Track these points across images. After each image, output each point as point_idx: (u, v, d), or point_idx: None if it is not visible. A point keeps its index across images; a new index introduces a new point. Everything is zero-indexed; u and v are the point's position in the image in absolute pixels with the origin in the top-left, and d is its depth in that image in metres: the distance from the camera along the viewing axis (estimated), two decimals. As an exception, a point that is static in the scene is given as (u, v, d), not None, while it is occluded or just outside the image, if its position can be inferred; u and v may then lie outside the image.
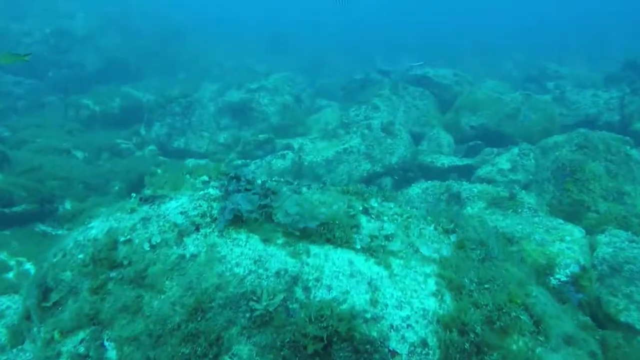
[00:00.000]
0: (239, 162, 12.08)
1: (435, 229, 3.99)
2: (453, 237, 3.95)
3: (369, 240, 3.73)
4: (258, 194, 3.84)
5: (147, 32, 25.95)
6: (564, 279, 5.08)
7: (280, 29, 35.49)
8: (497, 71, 25.81)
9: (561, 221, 6.07)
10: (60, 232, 7.94)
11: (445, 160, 10.86)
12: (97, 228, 3.96)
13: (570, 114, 13.28)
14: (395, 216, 3.98)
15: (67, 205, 8.32)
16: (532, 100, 12.69)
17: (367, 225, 3.86)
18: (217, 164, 4.89)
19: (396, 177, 10.69)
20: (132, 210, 4.09)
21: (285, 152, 11.40)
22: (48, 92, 17.56)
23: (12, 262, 6.95)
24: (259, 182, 4.13)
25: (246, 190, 3.85)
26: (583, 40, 33.83)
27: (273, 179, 4.61)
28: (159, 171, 9.96)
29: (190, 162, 12.12)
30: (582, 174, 7.16)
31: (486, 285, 3.42)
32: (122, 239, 3.74)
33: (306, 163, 11.30)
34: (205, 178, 4.44)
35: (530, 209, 5.77)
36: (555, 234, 5.45)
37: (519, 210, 5.74)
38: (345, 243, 3.67)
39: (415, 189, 6.84)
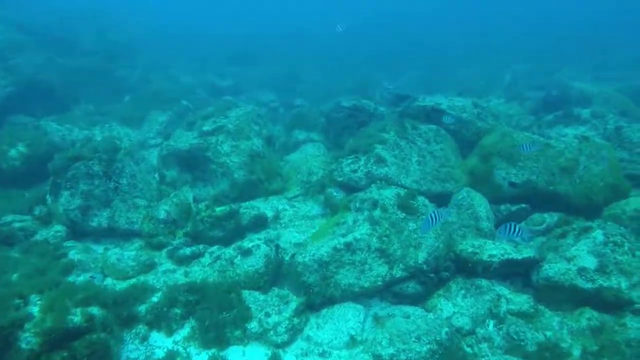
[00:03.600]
0: (188, 250, 8.19)
1: None
2: None
3: None
4: None
5: (85, 45, 21.55)
6: None
7: (247, 39, 31.61)
8: (496, 84, 22.63)
9: None
10: None
11: (495, 251, 7.28)
12: None
13: (637, 160, 9.99)
14: None
15: None
16: (591, 146, 9.34)
17: None
18: None
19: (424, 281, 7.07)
20: None
21: (255, 243, 7.56)
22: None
23: None
24: None
25: None
26: (579, 44, 31.30)
27: None
28: (36, 313, 5.95)
29: (112, 255, 8.10)
30: None
31: None
32: None
33: (287, 258, 7.52)
34: None
35: None
36: None
37: None
38: None
39: None
